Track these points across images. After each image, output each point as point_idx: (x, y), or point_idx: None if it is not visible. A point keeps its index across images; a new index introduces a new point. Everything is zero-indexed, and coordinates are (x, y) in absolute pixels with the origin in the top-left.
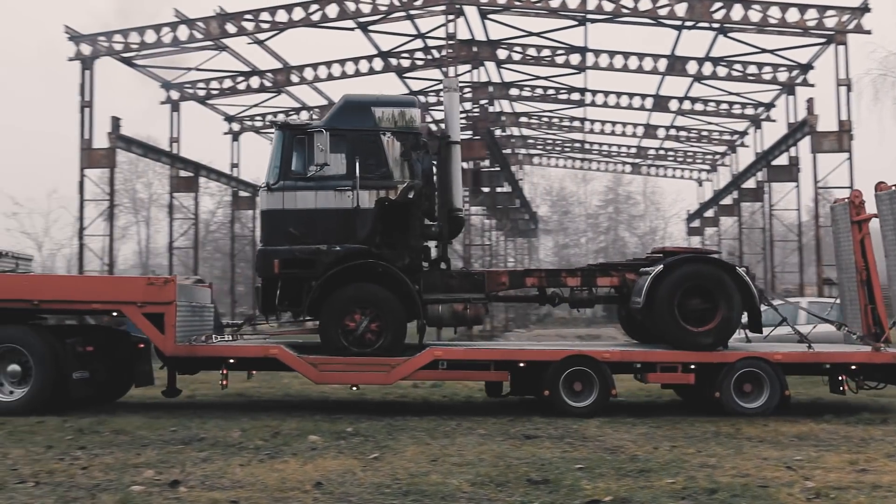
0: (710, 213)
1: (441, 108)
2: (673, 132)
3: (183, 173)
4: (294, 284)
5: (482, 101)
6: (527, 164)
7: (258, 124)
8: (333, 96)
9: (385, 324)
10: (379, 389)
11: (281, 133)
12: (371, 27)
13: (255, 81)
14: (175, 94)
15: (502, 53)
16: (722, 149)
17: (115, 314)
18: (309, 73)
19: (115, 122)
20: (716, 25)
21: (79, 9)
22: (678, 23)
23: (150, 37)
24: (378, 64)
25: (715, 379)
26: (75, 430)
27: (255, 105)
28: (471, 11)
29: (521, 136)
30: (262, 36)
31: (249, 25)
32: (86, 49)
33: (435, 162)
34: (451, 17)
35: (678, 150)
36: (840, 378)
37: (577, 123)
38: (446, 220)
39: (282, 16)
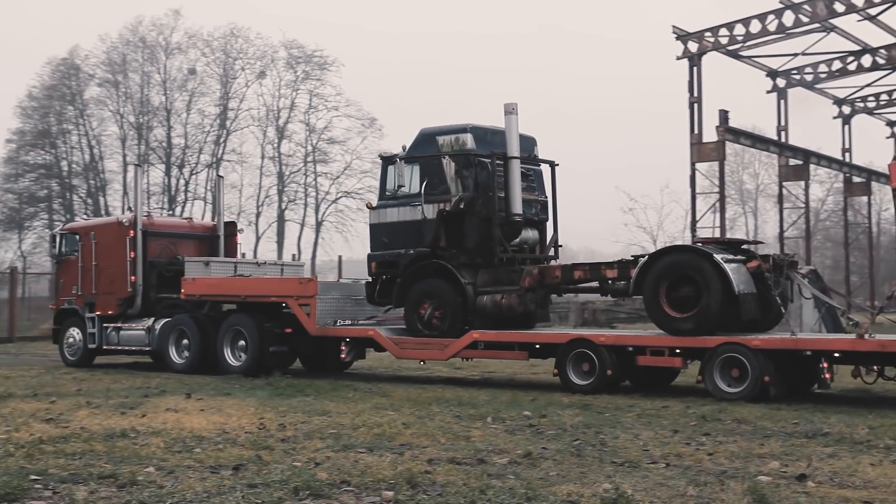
0: None
1: None
2: None
3: (792, 161)
4: (388, 282)
5: None
6: None
7: (871, 105)
8: None
9: (445, 311)
10: None
11: (381, 162)
12: None
13: (866, 60)
14: (781, 82)
15: None
16: None
17: (284, 306)
18: None
19: (724, 115)
20: None
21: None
22: None
23: (755, 27)
24: None
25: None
26: (698, 417)
27: (868, 85)
28: None
29: None
30: (873, 11)
31: (860, 2)
32: (693, 46)
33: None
34: None
35: None
36: (822, 366)
37: None
38: (504, 223)
39: None
